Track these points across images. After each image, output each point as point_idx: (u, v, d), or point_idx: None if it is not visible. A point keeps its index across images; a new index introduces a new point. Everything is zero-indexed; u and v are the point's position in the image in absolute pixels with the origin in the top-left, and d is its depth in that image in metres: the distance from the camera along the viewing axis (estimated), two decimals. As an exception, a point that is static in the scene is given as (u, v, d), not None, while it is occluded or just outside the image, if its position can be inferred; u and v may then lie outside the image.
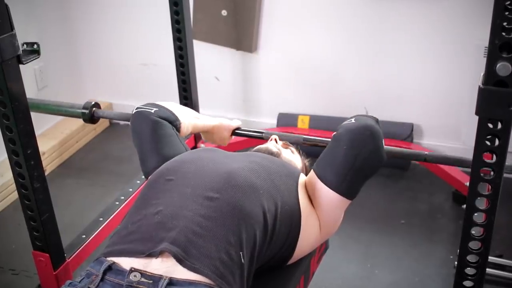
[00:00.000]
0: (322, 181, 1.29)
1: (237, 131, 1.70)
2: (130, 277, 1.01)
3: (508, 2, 1.01)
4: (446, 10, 2.40)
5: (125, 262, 1.05)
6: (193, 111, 1.66)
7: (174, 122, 1.47)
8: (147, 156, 1.41)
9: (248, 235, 1.11)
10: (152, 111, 1.44)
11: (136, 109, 1.47)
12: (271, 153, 1.46)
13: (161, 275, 1.01)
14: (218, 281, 1.02)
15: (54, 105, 1.89)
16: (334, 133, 1.32)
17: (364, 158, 1.26)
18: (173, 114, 1.49)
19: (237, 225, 1.10)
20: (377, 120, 1.34)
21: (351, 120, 1.31)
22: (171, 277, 1.01)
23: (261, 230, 1.14)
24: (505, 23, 1.02)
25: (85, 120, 1.84)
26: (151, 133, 1.41)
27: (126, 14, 2.92)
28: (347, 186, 1.27)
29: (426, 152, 1.42)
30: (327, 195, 1.28)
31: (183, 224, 1.08)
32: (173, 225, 1.08)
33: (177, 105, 1.59)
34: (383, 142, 1.30)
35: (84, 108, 1.82)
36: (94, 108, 1.83)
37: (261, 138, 1.67)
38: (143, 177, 2.22)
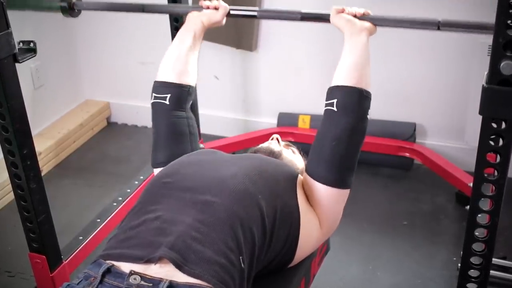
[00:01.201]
0: (315, 179, 1.31)
1: (231, 11, 1.60)
2: (130, 280, 1.01)
3: (513, 0, 1.01)
4: (450, 8, 2.40)
5: (124, 266, 1.05)
6: (186, 35, 1.57)
7: (188, 97, 1.51)
8: (158, 149, 1.48)
9: (247, 239, 1.11)
10: (167, 101, 1.47)
11: (153, 99, 1.50)
12: (272, 153, 1.47)
13: (161, 278, 1.01)
14: (218, 285, 1.02)
15: (33, 1, 1.80)
16: (319, 129, 1.35)
17: (350, 147, 1.30)
18: (183, 87, 1.49)
19: (235, 229, 1.10)
20: (361, 93, 1.31)
21: (333, 108, 1.31)
22: (171, 280, 1.01)
23: (260, 234, 1.15)
24: (509, 21, 1.02)
25: (64, 12, 1.73)
26: (166, 132, 1.48)
27: (123, 12, 2.92)
28: (339, 177, 1.30)
29: (439, 19, 1.39)
30: (324, 191, 1.31)
31: (181, 230, 1.08)
32: (171, 231, 1.09)
33: (175, 52, 1.54)
34: (368, 114, 1.32)
35: (62, 0, 1.71)
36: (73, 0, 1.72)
37: (255, 17, 1.64)
38: (141, 177, 2.24)
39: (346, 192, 1.33)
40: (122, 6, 1.85)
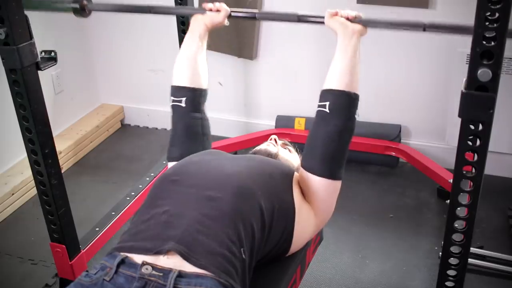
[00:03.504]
0: (310, 172, 1.32)
1: (232, 13, 1.54)
2: (142, 270, 1.01)
3: (489, 13, 1.01)
4: (432, 20, 2.39)
5: (137, 257, 1.05)
6: (193, 38, 1.54)
7: (202, 99, 1.51)
8: (174, 145, 1.49)
9: (247, 232, 1.11)
10: (183, 104, 1.48)
11: (171, 102, 1.50)
12: (269, 154, 1.47)
13: (171, 268, 1.01)
14: (223, 275, 1.02)
15: (46, 2, 1.73)
16: (312, 127, 1.34)
17: (340, 144, 1.31)
18: (196, 91, 1.49)
19: (236, 223, 1.10)
20: (351, 96, 1.31)
21: (326, 110, 1.31)
22: (180, 270, 1.01)
23: (259, 228, 1.15)
24: (485, 33, 1.03)
25: (75, 13, 1.66)
26: (182, 131, 1.48)
27: (136, 24, 2.92)
28: (332, 169, 1.31)
29: (425, 22, 1.36)
30: (318, 182, 1.31)
31: (188, 223, 1.08)
32: (178, 224, 1.08)
33: (185, 57, 1.53)
34: (356, 114, 1.32)
35: (74, 1, 1.64)
36: (85, 1, 1.64)
37: (255, 19, 1.57)
38: (152, 174, 2.24)
39: (338, 184, 1.34)
40: (131, 8, 1.73)
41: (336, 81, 1.33)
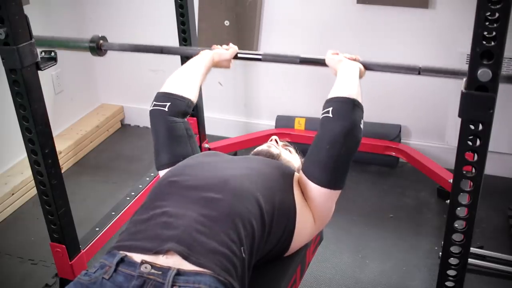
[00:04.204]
0: (310, 179, 1.30)
1: (238, 54, 1.65)
2: (141, 269, 1.02)
3: (489, 13, 1.01)
4: (432, 20, 2.40)
5: (136, 256, 1.05)
6: (197, 62, 1.61)
7: (187, 109, 1.49)
8: (160, 152, 1.45)
9: (247, 231, 1.12)
10: (166, 109, 1.45)
11: (152, 106, 1.48)
12: (271, 155, 1.46)
13: (170, 267, 1.02)
14: (222, 273, 1.03)
15: (62, 41, 1.78)
16: (316, 133, 1.33)
17: (344, 152, 1.28)
18: (183, 99, 1.48)
19: (236, 223, 1.11)
20: (353, 102, 1.31)
21: (329, 115, 1.30)
22: (179, 268, 1.01)
23: (259, 227, 1.15)
24: (485, 33, 1.03)
25: (92, 52, 1.73)
26: (166, 135, 1.44)
27: (137, 24, 2.92)
28: (332, 179, 1.29)
29: (420, 66, 1.40)
30: (317, 191, 1.30)
31: (187, 224, 1.09)
32: (178, 225, 1.09)
33: (183, 72, 1.57)
34: (361, 123, 1.31)
35: (91, 41, 1.71)
36: (101, 41, 1.72)
37: (260, 60, 1.66)
38: (152, 174, 2.24)
39: (337, 192, 1.32)
40: (144, 48, 1.84)
41: (338, 91, 1.35)
